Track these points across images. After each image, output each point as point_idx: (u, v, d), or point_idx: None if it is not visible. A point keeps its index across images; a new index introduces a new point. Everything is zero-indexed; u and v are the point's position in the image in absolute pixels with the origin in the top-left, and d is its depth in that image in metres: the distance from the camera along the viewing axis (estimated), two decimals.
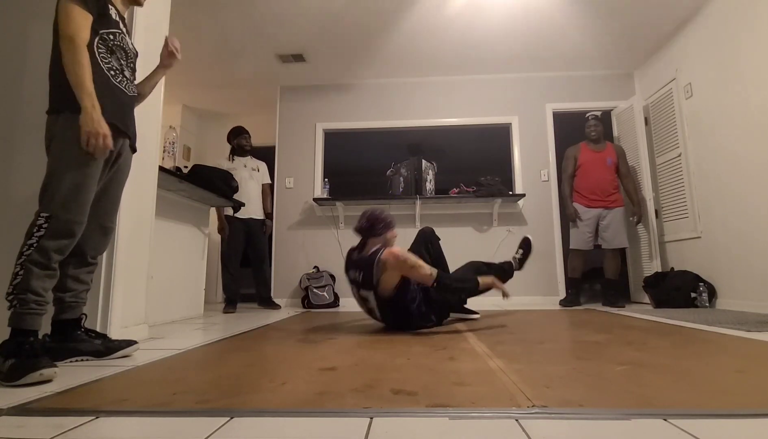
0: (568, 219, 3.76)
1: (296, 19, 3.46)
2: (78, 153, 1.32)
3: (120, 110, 1.47)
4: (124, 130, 1.49)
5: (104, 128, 1.33)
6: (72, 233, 1.34)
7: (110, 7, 1.50)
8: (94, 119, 1.31)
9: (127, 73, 1.53)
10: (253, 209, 3.68)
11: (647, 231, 3.80)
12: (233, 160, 3.73)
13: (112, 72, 1.46)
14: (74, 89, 1.31)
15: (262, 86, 4.62)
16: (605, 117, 4.35)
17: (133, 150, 1.60)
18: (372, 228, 2.20)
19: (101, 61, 1.43)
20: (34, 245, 1.27)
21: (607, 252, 3.58)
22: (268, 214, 3.89)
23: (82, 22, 1.36)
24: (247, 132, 3.83)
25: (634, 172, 3.86)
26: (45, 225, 1.28)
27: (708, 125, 3.27)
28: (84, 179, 1.35)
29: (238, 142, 3.77)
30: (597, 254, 3.76)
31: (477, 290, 2.18)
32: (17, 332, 1.24)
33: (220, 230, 3.61)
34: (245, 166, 3.74)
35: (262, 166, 3.91)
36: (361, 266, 2.12)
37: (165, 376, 1.23)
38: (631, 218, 3.70)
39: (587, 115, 3.84)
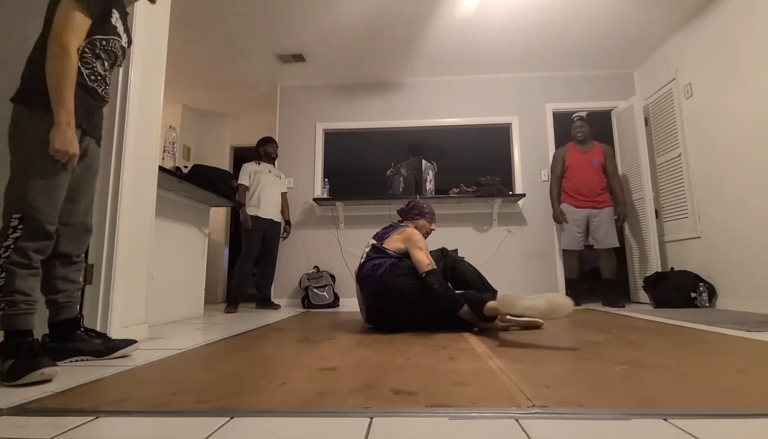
0: (554, 220, 3.78)
1: (296, 19, 3.46)
2: (48, 155, 1.28)
3: (88, 113, 1.43)
4: (89, 132, 1.45)
5: (74, 148, 1.29)
6: (48, 234, 1.31)
7: (113, 11, 1.46)
8: (67, 139, 1.27)
9: (108, 78, 1.51)
10: (273, 212, 3.86)
11: (647, 231, 3.80)
12: (259, 164, 3.93)
13: (93, 76, 1.43)
14: (52, 100, 1.26)
15: (262, 86, 4.63)
16: (605, 117, 4.36)
17: (98, 145, 1.57)
18: (408, 211, 2.54)
19: (83, 65, 1.39)
20: (11, 246, 1.23)
21: (601, 252, 3.58)
22: (287, 222, 4.08)
23: (80, 29, 1.33)
24: (274, 141, 4.08)
25: (628, 176, 3.85)
26: (20, 226, 1.25)
27: (708, 125, 3.27)
28: (54, 180, 1.31)
29: (265, 149, 3.99)
30: (594, 254, 3.75)
31: (456, 309, 2.05)
32: (12, 334, 1.23)
33: (244, 221, 3.72)
34: (270, 171, 3.95)
35: (284, 176, 4.14)
36: (387, 229, 2.44)
37: (165, 376, 1.23)
38: (615, 217, 3.66)
39: (573, 116, 3.83)
